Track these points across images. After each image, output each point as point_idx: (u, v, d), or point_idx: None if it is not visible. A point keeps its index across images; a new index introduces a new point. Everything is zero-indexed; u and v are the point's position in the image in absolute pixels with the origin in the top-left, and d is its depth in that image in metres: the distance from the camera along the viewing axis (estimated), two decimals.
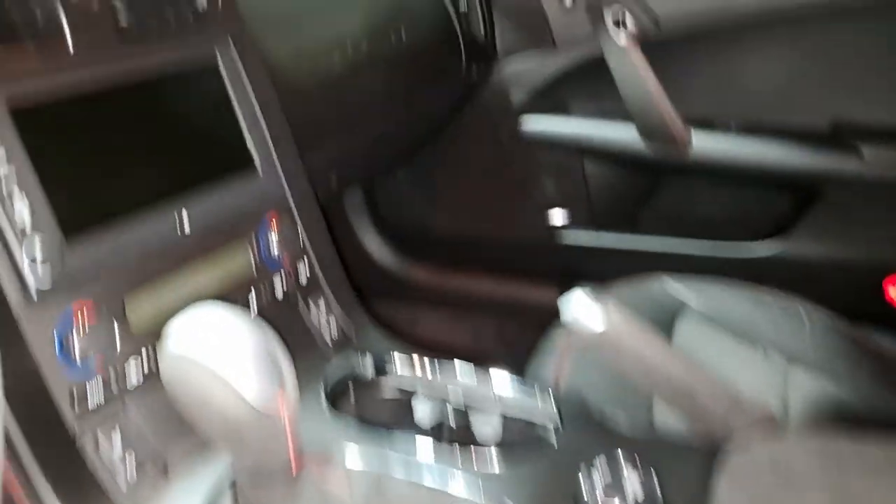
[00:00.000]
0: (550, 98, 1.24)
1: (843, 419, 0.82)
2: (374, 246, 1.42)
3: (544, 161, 1.29)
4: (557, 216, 1.32)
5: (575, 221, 1.32)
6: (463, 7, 1.13)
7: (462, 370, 0.63)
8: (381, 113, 0.99)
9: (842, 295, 1.16)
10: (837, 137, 1.11)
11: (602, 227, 1.31)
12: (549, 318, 1.33)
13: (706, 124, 1.16)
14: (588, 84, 1.19)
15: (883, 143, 1.08)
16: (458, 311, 1.44)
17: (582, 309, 0.67)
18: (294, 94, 0.75)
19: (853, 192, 1.11)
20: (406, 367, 0.65)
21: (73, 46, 0.53)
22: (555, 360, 0.77)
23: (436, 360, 0.65)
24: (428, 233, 1.43)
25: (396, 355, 0.68)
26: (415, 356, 0.66)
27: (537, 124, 1.24)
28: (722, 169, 1.16)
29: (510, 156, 1.29)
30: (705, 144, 1.15)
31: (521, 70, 1.22)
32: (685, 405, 0.69)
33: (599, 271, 1.32)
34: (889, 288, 1.14)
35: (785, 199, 1.20)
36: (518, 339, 1.41)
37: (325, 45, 0.84)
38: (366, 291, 1.43)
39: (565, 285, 1.33)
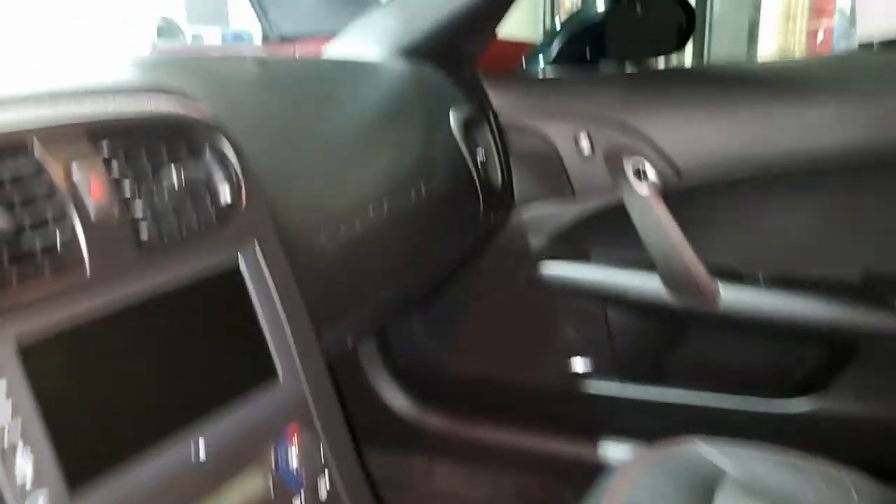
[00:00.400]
0: (570, 244, 1.22)
1: None
2: (388, 392, 1.36)
3: (564, 307, 1.25)
4: (578, 364, 1.27)
5: (597, 370, 1.27)
6: (481, 156, 1.13)
7: None
8: (401, 270, 0.97)
9: (885, 456, 1.09)
10: (870, 290, 1.08)
11: (626, 378, 1.25)
12: (571, 472, 1.26)
13: (733, 275, 1.14)
14: (609, 231, 1.18)
15: None
16: (476, 462, 1.36)
17: None
18: (312, 266, 0.71)
19: (890, 347, 1.06)
20: None
21: (90, 268, 0.49)
22: None
23: None
24: (443, 378, 1.37)
25: None
26: None
27: (557, 271, 1.22)
28: (751, 321, 1.12)
29: (529, 301, 1.26)
30: (733, 296, 1.11)
31: (540, 217, 1.21)
32: None
33: (624, 423, 1.26)
34: None
35: (819, 353, 1.15)
36: (539, 495, 1.33)
37: (346, 211, 0.81)
38: (379, 441, 1.37)
39: (589, 438, 1.27)
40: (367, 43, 1.17)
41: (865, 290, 1.08)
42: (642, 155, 1.12)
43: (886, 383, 1.08)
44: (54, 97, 0.53)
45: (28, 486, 0.44)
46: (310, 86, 0.96)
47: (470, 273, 1.26)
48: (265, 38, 3.00)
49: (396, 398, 1.36)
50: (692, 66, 1.30)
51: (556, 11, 6.82)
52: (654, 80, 1.21)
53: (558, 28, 1.49)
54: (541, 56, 1.41)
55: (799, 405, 1.13)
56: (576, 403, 1.28)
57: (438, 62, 1.16)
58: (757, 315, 1.12)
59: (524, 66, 1.43)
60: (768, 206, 1.14)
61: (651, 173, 1.10)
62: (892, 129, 1.01)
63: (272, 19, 2.96)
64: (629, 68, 1.36)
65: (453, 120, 1.10)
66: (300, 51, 2.95)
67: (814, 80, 1.09)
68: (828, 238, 1.13)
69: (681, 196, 1.12)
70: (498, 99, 1.21)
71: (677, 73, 1.22)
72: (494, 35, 1.23)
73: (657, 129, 1.12)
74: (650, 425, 1.21)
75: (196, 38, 5.57)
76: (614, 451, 1.25)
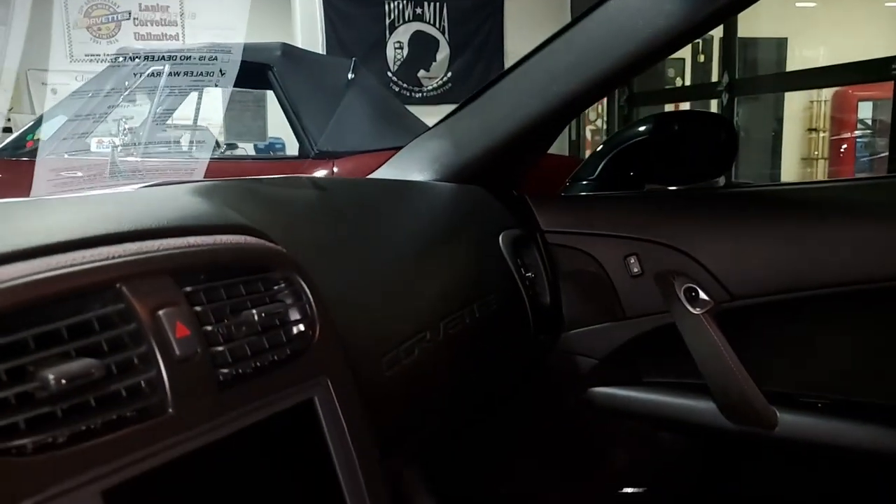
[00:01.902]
0: (621, 366, 1.20)
1: None
2: None
3: (615, 431, 1.22)
4: (630, 489, 1.22)
5: (648, 496, 1.21)
6: (530, 277, 1.13)
7: None
8: (454, 394, 0.95)
9: None
10: None
11: None
12: None
13: (791, 400, 1.10)
14: (660, 353, 1.15)
15: None
16: None
17: None
18: (372, 394, 0.70)
19: None
20: None
21: (173, 408, 0.49)
22: None
23: None
24: (489, 500, 1.32)
25: None
26: None
27: (607, 393, 1.19)
28: (810, 447, 1.08)
29: (578, 424, 1.23)
30: (792, 423, 1.07)
31: (590, 338, 1.19)
32: None
33: None
34: None
35: (883, 484, 1.09)
36: None
37: (405, 336, 0.81)
38: None
39: None
40: (415, 167, 1.19)
41: None
42: (692, 275, 1.11)
43: None
44: (135, 234, 0.54)
45: None
46: (366, 208, 0.97)
47: (520, 396, 1.24)
48: (303, 154, 3.09)
49: None
50: (734, 187, 1.30)
51: (580, 126, 7.02)
52: (699, 200, 1.21)
53: (599, 147, 1.52)
54: (583, 175, 1.44)
55: None
56: None
57: (486, 183, 1.18)
58: (815, 441, 1.07)
59: (568, 185, 1.45)
60: (826, 331, 1.12)
61: (702, 294, 1.09)
62: None
63: (311, 135, 3.07)
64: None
65: (503, 240, 1.10)
66: (340, 168, 3.04)
67: (864, 201, 1.09)
68: (886, 360, 1.09)
69: (734, 317, 1.10)
70: (545, 219, 1.22)
71: (721, 194, 1.22)
72: (538, 158, 1.26)
73: (706, 251, 1.12)
74: None
75: (230, 145, 5.78)
76: None
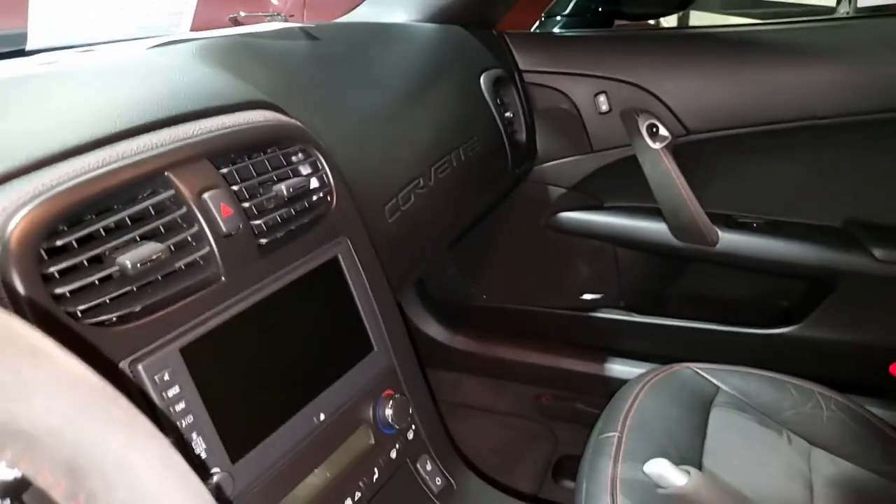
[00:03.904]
0: (585, 193, 1.28)
1: (863, 499, 0.85)
2: (421, 320, 1.46)
3: (579, 247, 1.33)
4: (590, 295, 1.36)
5: (606, 301, 1.36)
6: (508, 114, 1.17)
7: None
8: (446, 226, 1.02)
9: (852, 375, 1.20)
10: (849, 235, 1.15)
11: (631, 308, 1.35)
12: (582, 387, 1.37)
13: (731, 221, 1.21)
14: (621, 181, 1.23)
15: (891, 242, 1.12)
16: (497, 377, 1.47)
17: (670, 474, 0.72)
18: (380, 239, 0.76)
19: (864, 284, 1.14)
20: None
21: (225, 276, 0.55)
22: (608, 489, 0.82)
23: None
24: (470, 307, 1.46)
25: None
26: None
27: (573, 217, 1.29)
28: (744, 261, 1.20)
29: (547, 242, 1.33)
30: (730, 240, 1.19)
31: (559, 169, 1.26)
32: None
33: (630, 347, 1.36)
34: (894, 370, 1.18)
35: (802, 289, 1.24)
36: (553, 405, 1.45)
37: (402, 184, 0.86)
38: None
39: (598, 358, 1.38)
40: (394, 6, 1.16)
41: (845, 235, 1.16)
42: (654, 112, 1.16)
43: (856, 315, 1.17)
44: (171, 120, 0.58)
45: (203, 465, 0.51)
46: (356, 54, 0.97)
47: (495, 216, 1.33)
48: None
49: (430, 325, 1.46)
50: (700, 29, 1.30)
51: None
52: (665, 40, 1.23)
53: None
54: (557, 10, 1.41)
55: (782, 332, 1.23)
56: (587, 328, 1.38)
57: (465, 23, 1.17)
58: (750, 256, 1.19)
59: (543, 20, 1.43)
60: (763, 161, 1.19)
61: (662, 130, 1.15)
62: (882, 93, 1.05)
63: None
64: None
65: (484, 80, 1.12)
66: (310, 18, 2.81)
67: (813, 44, 1.11)
68: (815, 188, 1.19)
69: (688, 150, 1.17)
70: (522, 57, 1.23)
71: (684, 35, 1.23)
72: None
73: (667, 89, 1.16)
74: (653, 348, 1.31)
75: None
76: (620, 369, 1.36)
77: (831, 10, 1.32)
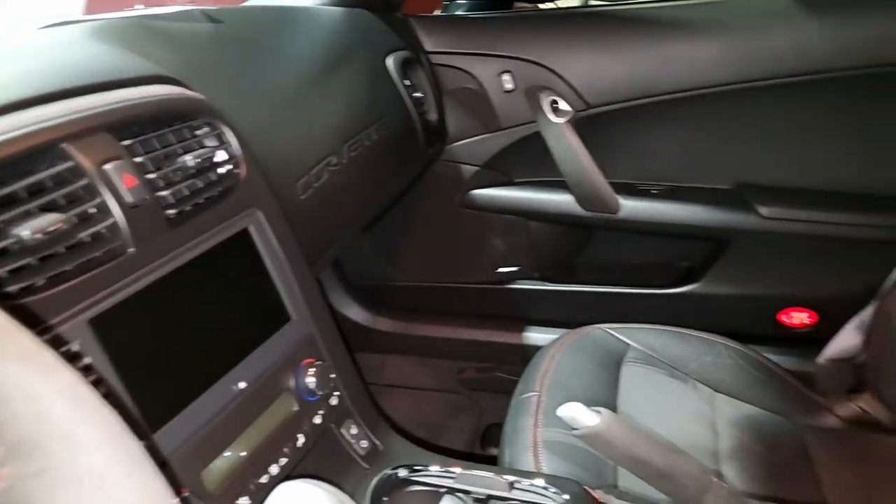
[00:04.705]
0: (496, 170, 1.30)
1: (761, 435, 0.91)
2: (342, 304, 1.45)
3: (492, 222, 1.35)
4: (505, 268, 1.39)
5: (521, 273, 1.39)
6: (418, 95, 1.18)
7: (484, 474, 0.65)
8: (360, 205, 1.02)
9: (748, 325, 1.27)
10: (739, 196, 1.22)
11: (544, 278, 1.38)
12: (502, 356, 1.40)
13: (632, 189, 1.26)
14: (528, 157, 1.26)
15: (775, 201, 1.19)
16: (421, 354, 1.48)
17: (582, 416, 0.74)
18: (294, 216, 0.76)
19: (753, 241, 1.22)
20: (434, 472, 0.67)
21: (133, 247, 0.54)
22: (531, 448, 0.84)
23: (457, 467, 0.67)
24: (389, 288, 1.46)
25: (422, 459, 0.71)
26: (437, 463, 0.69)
27: (485, 194, 1.31)
28: (646, 226, 1.26)
29: (461, 219, 1.35)
30: (631, 207, 1.24)
31: (470, 148, 1.28)
32: (665, 485, 0.76)
33: (545, 314, 1.40)
34: (782, 317, 1.26)
35: (701, 249, 1.30)
36: (477, 377, 1.47)
37: (314, 162, 0.85)
38: None
39: (515, 327, 1.41)
40: None
41: (736, 196, 1.23)
42: (556, 89, 1.20)
43: (748, 270, 1.25)
44: (66, 93, 0.55)
45: None
46: (262, 37, 0.95)
47: (410, 198, 1.33)
48: None
49: (351, 309, 1.45)
50: (597, 8, 1.34)
51: None
52: (564, 19, 1.26)
53: None
54: None
55: (683, 290, 1.29)
56: (503, 300, 1.41)
57: (370, 6, 1.17)
58: (649, 220, 1.25)
59: (446, 3, 1.45)
60: (659, 130, 1.25)
61: (564, 106, 1.18)
62: (761, 63, 1.12)
63: None
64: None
65: (392, 62, 1.12)
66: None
67: (698, 20, 1.17)
68: (707, 154, 1.25)
69: (589, 124, 1.21)
70: (428, 40, 1.24)
71: (582, 14, 1.27)
72: None
73: (568, 66, 1.19)
74: (566, 314, 1.35)
75: None
76: (537, 336, 1.39)
77: None
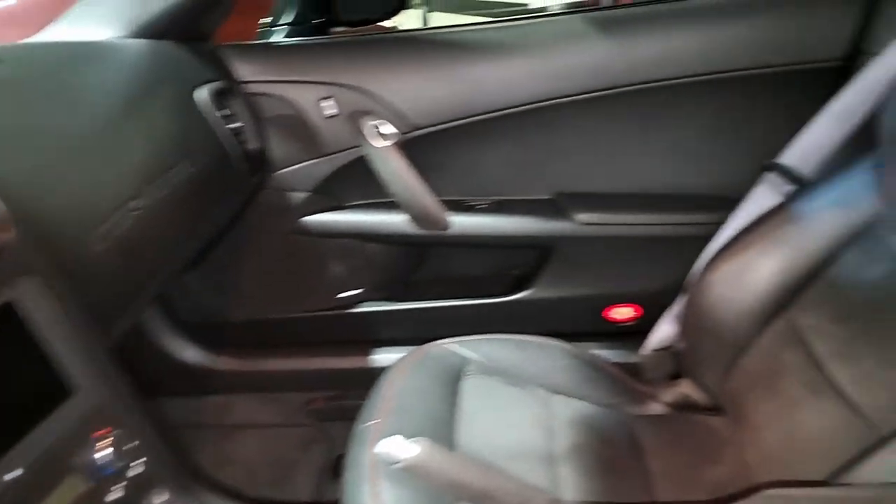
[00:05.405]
0: (326, 195, 1.28)
1: (594, 430, 0.95)
2: (176, 346, 1.35)
3: (327, 248, 1.32)
4: (346, 293, 1.36)
5: (363, 296, 1.37)
6: (235, 125, 1.11)
7: None
8: (175, 247, 0.95)
9: (578, 325, 1.34)
10: (558, 205, 1.28)
11: (384, 298, 1.37)
12: (349, 382, 1.37)
13: (460, 205, 1.28)
14: (358, 179, 1.25)
15: (590, 207, 1.26)
16: (267, 390, 1.42)
17: (398, 449, 0.72)
18: (89, 270, 0.69)
19: (572, 246, 1.28)
20: None
21: None
22: (370, 479, 0.82)
23: None
24: (226, 324, 1.39)
25: None
26: None
27: (317, 219, 1.28)
28: (475, 239, 1.28)
29: (295, 248, 1.31)
30: (461, 223, 1.26)
31: (297, 175, 1.24)
32: None
33: (388, 335, 1.39)
34: (608, 314, 1.34)
35: (530, 257, 1.35)
36: (326, 407, 1.43)
37: (110, 209, 0.77)
38: (176, 390, 1.35)
39: (360, 351, 1.38)
40: (94, 23, 1.06)
41: (555, 205, 1.29)
42: (380, 112, 1.19)
43: (572, 273, 1.31)
44: None
45: None
46: (49, 76, 0.86)
47: (240, 229, 1.27)
48: None
49: (186, 350, 1.36)
50: (413, 32, 1.36)
51: None
52: (382, 44, 1.26)
53: None
54: (276, 21, 1.39)
55: (518, 298, 1.33)
56: (347, 325, 1.38)
57: (177, 39, 1.10)
58: (479, 234, 1.28)
59: (262, 31, 1.40)
60: (483, 147, 1.28)
61: (388, 128, 1.18)
62: (561, 81, 1.18)
63: None
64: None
65: (201, 94, 1.06)
66: None
67: (505, 42, 1.21)
68: (527, 168, 1.30)
69: (417, 145, 1.22)
70: (243, 68, 1.19)
71: (400, 39, 1.28)
72: (232, 7, 1.19)
73: (389, 89, 1.19)
74: (412, 332, 1.35)
75: None
76: (382, 358, 1.38)
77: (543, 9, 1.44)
